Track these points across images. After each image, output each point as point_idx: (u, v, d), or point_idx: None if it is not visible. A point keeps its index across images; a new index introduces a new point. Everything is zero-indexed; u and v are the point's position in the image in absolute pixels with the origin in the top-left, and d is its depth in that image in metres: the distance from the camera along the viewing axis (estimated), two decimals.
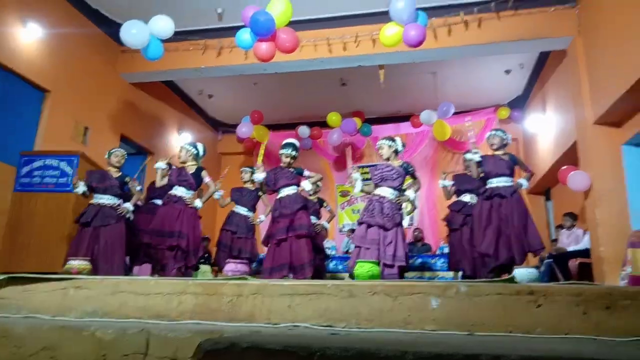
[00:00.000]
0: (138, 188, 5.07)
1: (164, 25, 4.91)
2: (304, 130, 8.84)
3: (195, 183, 4.77)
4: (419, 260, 6.57)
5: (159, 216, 4.63)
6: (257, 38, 4.70)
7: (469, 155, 4.60)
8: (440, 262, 6.44)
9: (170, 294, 2.32)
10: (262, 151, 5.49)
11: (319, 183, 5.48)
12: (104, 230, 4.54)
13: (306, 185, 4.74)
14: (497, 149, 4.55)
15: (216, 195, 5.37)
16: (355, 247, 4.26)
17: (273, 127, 9.10)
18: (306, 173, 4.76)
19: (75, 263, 3.95)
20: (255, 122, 8.56)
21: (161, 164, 4.71)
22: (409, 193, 4.37)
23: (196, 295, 2.30)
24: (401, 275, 4.24)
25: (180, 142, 7.92)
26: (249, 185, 5.86)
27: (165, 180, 4.74)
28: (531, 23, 5.87)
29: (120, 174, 4.85)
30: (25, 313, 2.38)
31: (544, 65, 7.29)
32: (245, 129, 8.53)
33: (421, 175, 8.94)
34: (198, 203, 4.75)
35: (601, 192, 5.26)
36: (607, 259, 4.98)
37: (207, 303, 2.28)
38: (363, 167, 9.38)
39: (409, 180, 4.49)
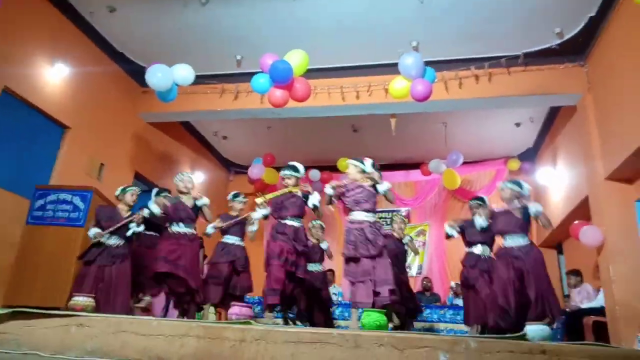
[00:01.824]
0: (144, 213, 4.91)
1: (185, 74, 5.11)
2: (314, 174, 8.92)
3: (194, 214, 4.83)
4: (427, 310, 6.39)
5: (166, 247, 4.58)
6: (273, 84, 4.86)
7: (478, 223, 4.56)
8: (449, 314, 6.25)
9: (172, 335, 2.28)
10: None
11: (323, 225, 5.58)
12: (109, 269, 4.50)
13: (315, 198, 4.62)
14: (508, 202, 4.42)
15: (209, 230, 5.18)
16: (349, 282, 4.00)
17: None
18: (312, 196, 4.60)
19: (80, 299, 3.92)
20: (267, 164, 8.67)
21: (158, 210, 4.72)
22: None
23: (198, 339, 2.26)
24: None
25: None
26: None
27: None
28: (541, 79, 6.00)
29: (129, 213, 4.77)
30: (25, 349, 2.34)
31: (554, 120, 7.37)
32: (256, 170, 8.64)
33: (430, 224, 9.03)
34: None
35: (615, 249, 5.16)
36: (623, 318, 4.81)
37: (209, 347, 2.23)
38: (380, 212, 9.43)
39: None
